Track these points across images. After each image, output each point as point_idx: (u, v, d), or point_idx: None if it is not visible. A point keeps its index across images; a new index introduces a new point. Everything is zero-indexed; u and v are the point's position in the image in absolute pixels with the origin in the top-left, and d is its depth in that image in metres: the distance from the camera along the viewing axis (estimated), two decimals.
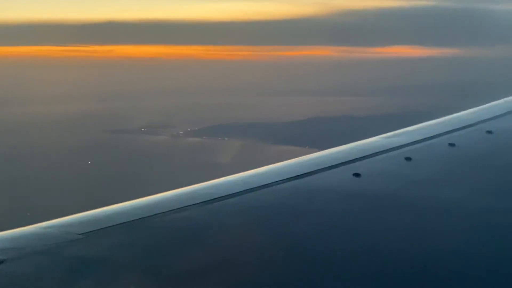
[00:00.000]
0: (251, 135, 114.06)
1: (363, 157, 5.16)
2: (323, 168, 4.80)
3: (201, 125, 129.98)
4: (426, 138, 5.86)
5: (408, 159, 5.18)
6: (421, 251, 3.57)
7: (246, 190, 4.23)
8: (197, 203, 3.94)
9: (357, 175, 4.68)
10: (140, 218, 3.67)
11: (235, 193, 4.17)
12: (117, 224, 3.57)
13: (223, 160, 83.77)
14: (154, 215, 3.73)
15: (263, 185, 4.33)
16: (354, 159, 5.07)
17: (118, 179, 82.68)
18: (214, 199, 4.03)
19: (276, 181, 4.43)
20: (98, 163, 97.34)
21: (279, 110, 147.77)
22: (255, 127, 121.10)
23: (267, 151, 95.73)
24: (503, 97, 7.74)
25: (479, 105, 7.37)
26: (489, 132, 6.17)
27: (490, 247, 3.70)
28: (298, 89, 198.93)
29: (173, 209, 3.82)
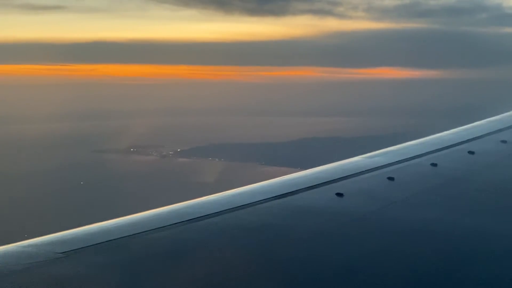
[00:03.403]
0: (239, 155, 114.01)
1: (346, 176, 5.16)
2: (305, 188, 4.79)
3: (189, 145, 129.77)
4: (408, 158, 5.89)
5: (390, 179, 5.20)
6: (404, 270, 3.57)
7: (229, 209, 4.21)
8: (179, 222, 3.92)
9: (339, 194, 4.67)
10: (121, 237, 3.63)
11: (217, 212, 4.14)
12: (98, 243, 3.53)
13: (214, 181, 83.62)
14: (135, 234, 3.70)
15: (245, 204, 4.32)
16: (337, 179, 5.06)
17: (108, 198, 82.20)
18: (196, 218, 4.01)
19: (259, 201, 4.42)
20: (89, 183, 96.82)
21: (267, 131, 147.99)
22: (244, 148, 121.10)
23: (256, 172, 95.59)
24: (485, 118, 7.83)
25: (461, 126, 7.44)
26: (471, 152, 6.23)
27: (472, 266, 3.73)
28: (284, 110, 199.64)
29: (154, 228, 3.80)
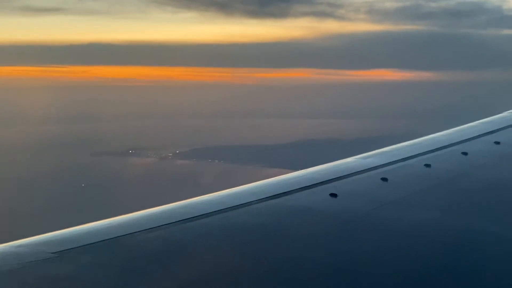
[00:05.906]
0: (238, 157, 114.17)
1: (340, 177, 5.16)
2: (299, 188, 4.78)
3: (188, 147, 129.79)
4: (402, 159, 5.90)
5: (384, 179, 5.22)
6: (398, 271, 3.60)
7: (222, 209, 4.21)
8: (171, 222, 3.92)
9: (333, 195, 4.68)
10: (114, 237, 3.62)
11: (210, 212, 4.14)
12: (91, 243, 3.52)
13: (213, 182, 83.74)
14: (128, 234, 3.69)
15: (238, 205, 4.31)
16: (331, 179, 5.06)
17: (108, 201, 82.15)
18: (189, 218, 4.01)
19: (252, 201, 4.42)
20: (90, 185, 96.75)
21: (265, 132, 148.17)
22: (242, 150, 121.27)
23: (254, 174, 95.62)
24: (478, 119, 7.84)
25: (455, 127, 7.45)
26: (464, 153, 6.25)
27: (466, 267, 3.75)
28: (283, 112, 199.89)
29: (147, 229, 3.79)
